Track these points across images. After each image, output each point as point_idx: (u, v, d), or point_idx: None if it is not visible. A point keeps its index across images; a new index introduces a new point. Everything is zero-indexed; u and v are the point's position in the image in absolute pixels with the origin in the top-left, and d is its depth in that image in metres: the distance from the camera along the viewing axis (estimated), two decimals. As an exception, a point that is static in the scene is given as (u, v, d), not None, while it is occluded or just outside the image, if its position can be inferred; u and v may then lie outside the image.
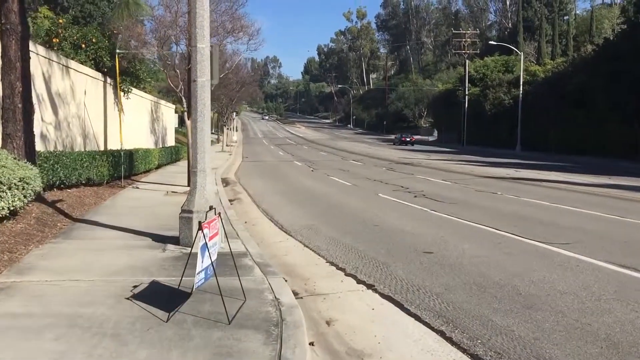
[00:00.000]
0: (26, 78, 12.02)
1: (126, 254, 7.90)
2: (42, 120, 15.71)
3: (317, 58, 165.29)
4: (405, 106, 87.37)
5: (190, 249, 8.07)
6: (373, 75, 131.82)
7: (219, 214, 5.89)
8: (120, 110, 18.94)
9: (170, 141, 36.98)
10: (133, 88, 24.11)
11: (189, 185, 19.12)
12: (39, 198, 11.42)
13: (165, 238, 9.22)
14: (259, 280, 6.75)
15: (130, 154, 20.84)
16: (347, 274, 7.83)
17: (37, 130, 15.51)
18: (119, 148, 19.12)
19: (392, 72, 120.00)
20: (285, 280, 7.11)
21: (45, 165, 12.95)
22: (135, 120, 26.48)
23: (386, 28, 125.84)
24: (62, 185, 14.35)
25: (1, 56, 11.87)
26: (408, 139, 66.55)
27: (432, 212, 14.05)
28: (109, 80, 21.81)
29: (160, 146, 32.12)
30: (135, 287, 6.30)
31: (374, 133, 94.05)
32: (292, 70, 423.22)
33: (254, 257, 7.99)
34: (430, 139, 78.07)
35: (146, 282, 6.48)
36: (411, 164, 34.25)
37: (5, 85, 11.72)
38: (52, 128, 16.47)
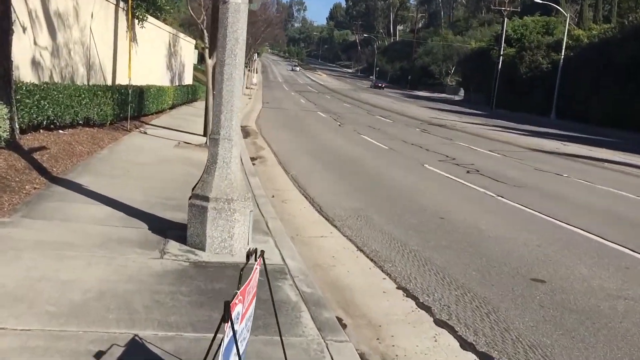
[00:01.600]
0: (3, -15, 9.09)
1: (103, 261, 5.12)
2: (35, 44, 12.80)
3: (343, 4, 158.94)
4: (432, 62, 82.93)
5: (200, 253, 5.33)
6: (400, 27, 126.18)
7: (262, 254, 3.02)
8: (131, 39, 16.01)
9: (188, 79, 33.91)
10: (149, 16, 20.98)
11: (204, 135, 16.31)
12: (12, 145, 8.67)
13: (166, 226, 6.48)
14: (313, 346, 3.98)
15: (141, 92, 17.96)
16: (437, 322, 5.05)
17: (27, 55, 12.63)
18: (127, 84, 16.24)
19: (420, 25, 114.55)
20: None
21: (28, 101, 10.13)
22: (150, 54, 23.44)
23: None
24: (52, 126, 11.58)
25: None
26: (380, 85, 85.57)
27: (501, 199, 11.19)
28: (121, 4, 18.71)
29: (177, 84, 29.12)
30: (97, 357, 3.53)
31: (397, 87, 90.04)
32: (317, 15, 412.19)
33: (296, 278, 5.23)
34: (456, 98, 74.23)
35: (120, 345, 3.71)
36: (445, 126, 31.13)
37: (-26, -6, 8.83)
38: (48, 54, 13.57)
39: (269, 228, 6.86)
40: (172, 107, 24.02)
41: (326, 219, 8.45)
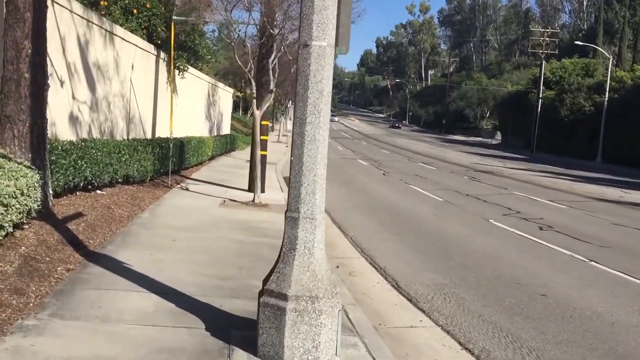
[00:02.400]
0: (39, 36, 8.12)
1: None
2: (74, 98, 11.93)
3: (374, 50, 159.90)
4: (467, 105, 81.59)
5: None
6: (431, 72, 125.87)
7: None
8: (173, 91, 15.17)
9: (226, 129, 33.20)
10: (189, 67, 20.28)
11: (249, 190, 15.09)
12: (45, 214, 7.55)
13: (227, 322, 5.15)
14: None
15: (181, 145, 17.01)
16: None
17: (65, 110, 11.73)
18: (168, 136, 15.29)
19: (452, 69, 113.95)
20: None
21: (64, 161, 9.08)
22: (190, 104, 22.70)
23: (449, 23, 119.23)
24: (89, 187, 10.53)
25: (5, 3, 8.04)
26: (397, 125, 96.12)
27: (595, 264, 9.63)
28: (162, 55, 17.99)
29: (215, 134, 28.34)
30: None
31: (431, 131, 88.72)
32: (348, 61, 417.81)
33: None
34: (493, 142, 72.46)
35: None
36: (492, 173, 29.58)
37: (7, 45, 7.86)
38: (87, 109, 12.69)
39: (352, 321, 5.48)
40: (212, 158, 23.10)
41: (408, 299, 7.02)
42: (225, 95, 32.16)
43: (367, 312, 6.20)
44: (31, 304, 5.06)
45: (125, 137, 14.98)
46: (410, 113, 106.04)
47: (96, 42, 12.98)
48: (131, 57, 15.37)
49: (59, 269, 6.13)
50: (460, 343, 5.66)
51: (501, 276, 8.42)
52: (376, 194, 17.97)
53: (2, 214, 5.76)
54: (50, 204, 8.12)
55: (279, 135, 46.07)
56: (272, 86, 12.20)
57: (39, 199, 6.90)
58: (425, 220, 13.48)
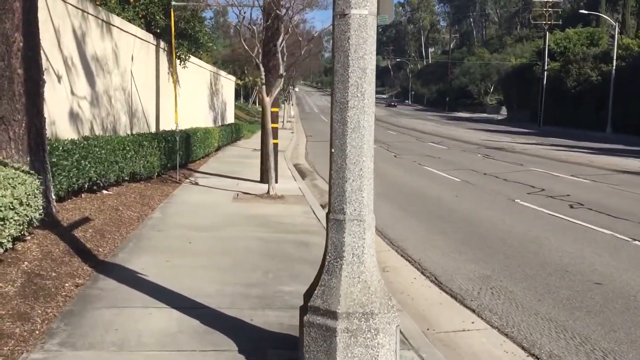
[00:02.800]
0: (31, 28, 7.41)
1: None
2: (73, 94, 11.24)
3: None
4: (470, 82, 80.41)
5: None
6: (431, 49, 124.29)
7: None
8: (176, 81, 14.44)
9: (230, 117, 32.45)
10: (190, 55, 19.51)
11: (262, 181, 14.40)
12: (48, 223, 6.89)
13: (261, 339, 4.50)
14: None
15: (187, 137, 16.32)
16: None
17: (64, 107, 11.03)
18: (173, 129, 14.61)
19: (452, 45, 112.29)
20: None
21: (66, 162, 8.41)
22: (193, 94, 21.96)
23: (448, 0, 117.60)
24: (94, 187, 9.88)
25: (-9, -8, 7.31)
26: (393, 103, 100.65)
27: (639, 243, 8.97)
28: (162, 44, 17.23)
29: (220, 124, 27.62)
30: None
31: (434, 110, 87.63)
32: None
33: None
34: (499, 117, 71.45)
35: None
36: (504, 149, 28.80)
37: (-4, 39, 7.17)
38: (87, 104, 11.99)
39: (402, 331, 4.81)
40: (218, 149, 22.41)
41: (453, 297, 6.35)
42: (228, 84, 31.38)
43: (410, 312, 5.56)
44: (37, 332, 4.41)
45: (129, 132, 14.30)
46: (413, 92, 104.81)
47: (93, 33, 12.25)
48: (130, 48, 14.64)
49: (66, 284, 5.47)
50: (523, 348, 4.99)
51: (546, 263, 7.73)
52: (391, 177, 17.26)
53: (3, 223, 5.10)
54: (54, 210, 7.46)
55: (283, 122, 45.27)
56: (281, 70, 11.46)
57: (41, 207, 6.23)
58: (447, 203, 12.78)
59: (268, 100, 11.47)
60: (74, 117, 11.30)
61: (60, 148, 8.28)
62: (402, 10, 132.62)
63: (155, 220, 8.97)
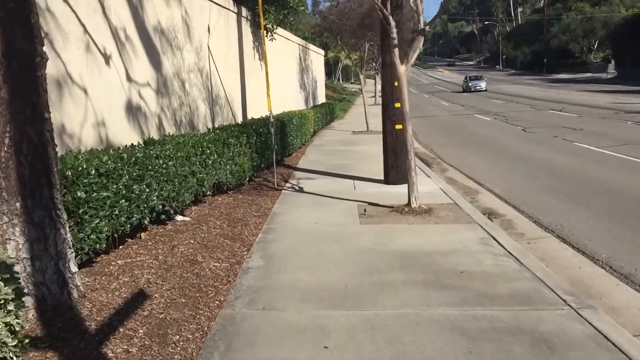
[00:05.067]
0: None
1: None
2: (129, 80, 7.91)
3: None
4: (571, 39, 72.18)
5: None
6: (520, 9, 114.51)
7: None
8: (266, 57, 10.93)
9: (321, 97, 28.85)
10: (277, 26, 15.94)
11: (387, 182, 10.36)
12: (56, 332, 3.46)
13: None
14: None
15: (282, 125, 12.83)
16: None
17: (118, 99, 7.66)
18: (265, 116, 11.19)
19: (541, 3, 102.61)
20: None
21: (105, 194, 5.00)
22: (282, 73, 18.44)
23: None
24: (163, 217, 6.51)
25: None
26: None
27: None
28: (244, 11, 13.72)
29: (312, 104, 24.07)
30: None
31: (530, 73, 79.97)
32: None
33: None
34: (608, 76, 63.56)
35: None
36: (652, 113, 23.41)
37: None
38: (151, 93, 8.66)
39: None
40: (314, 134, 18.89)
41: None
42: (317, 59, 27.69)
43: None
44: None
45: (210, 127, 10.96)
46: (504, 56, 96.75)
47: (153, -4, 8.86)
48: (206, 17, 11.20)
49: None
50: None
51: None
52: (543, 161, 12.97)
53: None
54: (75, 294, 4.05)
55: (374, 97, 41.18)
56: (421, 24, 7.56)
57: (21, 329, 2.79)
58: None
59: (404, 70, 7.62)
60: (133, 112, 7.99)
61: (93, 172, 4.85)
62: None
63: (254, 277, 5.40)
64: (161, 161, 6.22)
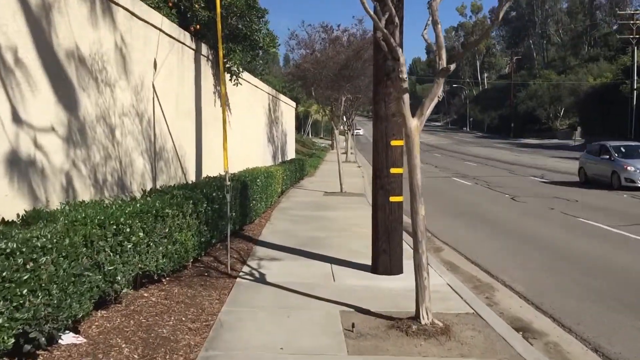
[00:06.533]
0: None
1: None
2: (16, 121, 5.35)
3: (423, 58, 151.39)
4: (538, 105, 72.43)
5: None
6: (486, 74, 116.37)
7: None
8: (223, 102, 8.45)
9: (291, 152, 26.53)
10: (243, 70, 13.66)
11: (375, 271, 6.79)
12: None
13: None
14: None
15: (244, 187, 10.30)
16: None
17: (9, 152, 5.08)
18: (223, 174, 8.73)
19: (507, 70, 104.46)
20: None
21: None
22: (247, 123, 16.05)
23: (505, 21, 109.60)
24: (31, 346, 3.80)
25: None
26: None
27: None
28: (203, 49, 11.38)
29: (280, 160, 21.67)
30: None
31: (498, 136, 79.77)
32: (406, 55, 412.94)
33: None
34: (575, 142, 63.48)
35: None
36: None
37: None
38: (57, 141, 6.07)
39: None
40: (281, 194, 16.41)
41: None
42: (289, 111, 25.51)
43: None
44: None
45: (150, 186, 8.37)
46: (471, 119, 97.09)
47: (72, 11, 6.41)
48: (152, 49, 8.78)
49: None
50: None
51: None
52: (554, 242, 10.70)
53: None
54: None
55: (346, 154, 39.18)
56: (443, 61, 5.28)
57: None
58: None
59: (415, 125, 5.27)
60: (20, 167, 5.39)
61: None
62: (454, 34, 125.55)
63: None
64: (24, 258, 3.60)
